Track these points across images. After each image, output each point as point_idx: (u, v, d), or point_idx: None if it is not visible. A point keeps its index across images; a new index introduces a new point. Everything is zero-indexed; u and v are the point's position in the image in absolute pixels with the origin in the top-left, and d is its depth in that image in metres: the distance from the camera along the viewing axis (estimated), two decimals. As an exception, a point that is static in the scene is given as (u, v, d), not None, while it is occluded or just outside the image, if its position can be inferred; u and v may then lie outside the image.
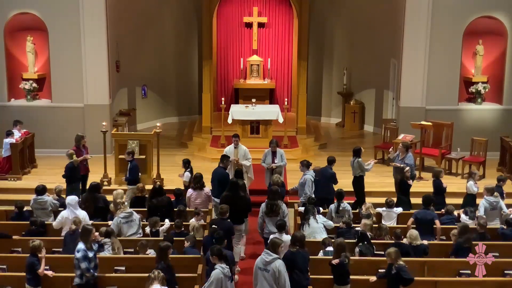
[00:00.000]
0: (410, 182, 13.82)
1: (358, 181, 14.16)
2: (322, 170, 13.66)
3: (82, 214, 11.83)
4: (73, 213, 11.74)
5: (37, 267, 10.10)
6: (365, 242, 11.05)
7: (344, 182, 15.13)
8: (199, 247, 11.13)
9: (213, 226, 11.11)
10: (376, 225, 11.91)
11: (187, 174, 14.02)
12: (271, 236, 10.75)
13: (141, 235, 11.83)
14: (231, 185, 12.35)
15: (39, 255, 10.17)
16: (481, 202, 12.63)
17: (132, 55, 19.92)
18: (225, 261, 9.44)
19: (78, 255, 9.93)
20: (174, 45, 21.11)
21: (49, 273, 10.31)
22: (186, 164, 14.20)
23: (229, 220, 11.52)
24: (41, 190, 12.68)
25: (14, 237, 11.59)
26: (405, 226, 12.00)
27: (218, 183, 13.27)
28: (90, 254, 10.01)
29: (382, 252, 10.76)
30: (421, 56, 17.71)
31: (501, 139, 17.10)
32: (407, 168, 13.88)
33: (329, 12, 21.13)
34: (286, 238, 10.90)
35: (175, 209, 12.41)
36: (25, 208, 12.69)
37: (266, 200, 12.04)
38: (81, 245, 10.00)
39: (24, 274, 10.30)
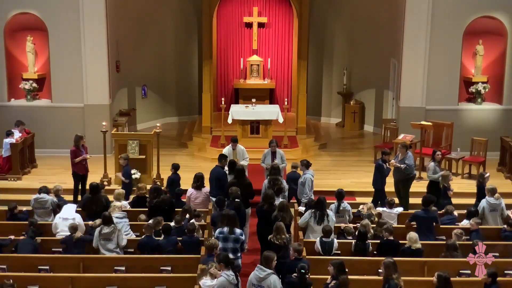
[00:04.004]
0: (451, 193, 13.55)
1: (431, 185, 14.05)
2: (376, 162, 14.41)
3: (77, 218, 11.78)
4: (65, 220, 11.69)
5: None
6: (360, 242, 11.04)
7: (344, 182, 15.17)
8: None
9: (231, 188, 12.12)
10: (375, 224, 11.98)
11: None
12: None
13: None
14: (237, 171, 12.91)
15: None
16: (481, 202, 12.67)
17: (132, 55, 19.91)
18: (232, 269, 9.25)
19: (243, 238, 10.68)
20: (174, 45, 21.10)
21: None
22: None
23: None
24: (44, 190, 12.66)
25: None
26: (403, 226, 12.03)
27: (216, 182, 13.27)
28: None
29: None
30: (421, 56, 17.70)
31: (501, 139, 17.10)
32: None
33: (329, 12, 21.12)
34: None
35: (177, 209, 12.39)
36: (24, 208, 12.69)
37: (268, 177, 13.08)
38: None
39: (24, 273, 10.31)
